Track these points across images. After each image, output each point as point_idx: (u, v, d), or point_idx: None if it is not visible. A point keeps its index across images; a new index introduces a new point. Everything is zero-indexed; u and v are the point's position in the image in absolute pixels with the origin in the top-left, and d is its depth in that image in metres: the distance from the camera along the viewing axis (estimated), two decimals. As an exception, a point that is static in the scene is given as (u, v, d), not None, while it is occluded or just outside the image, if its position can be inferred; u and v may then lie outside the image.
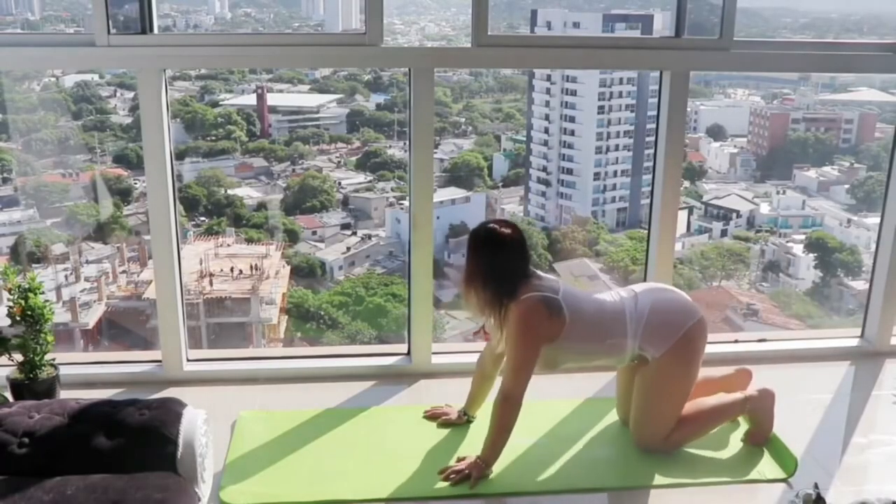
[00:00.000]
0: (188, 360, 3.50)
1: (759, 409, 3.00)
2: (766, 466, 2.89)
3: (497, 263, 2.80)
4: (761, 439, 3.01)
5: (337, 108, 16.27)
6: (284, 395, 3.38)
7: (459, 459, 2.86)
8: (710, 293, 12.94)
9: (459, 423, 3.13)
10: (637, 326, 2.81)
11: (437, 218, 6.67)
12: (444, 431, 3.09)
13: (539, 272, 2.85)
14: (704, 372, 2.99)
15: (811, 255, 14.10)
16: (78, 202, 13.27)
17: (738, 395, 3.02)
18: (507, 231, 2.84)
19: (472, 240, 2.88)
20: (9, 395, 2.98)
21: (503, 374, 2.82)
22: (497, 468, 2.82)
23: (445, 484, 2.76)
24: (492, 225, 2.89)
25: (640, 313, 2.82)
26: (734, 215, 15.16)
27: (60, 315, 10.67)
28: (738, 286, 14.09)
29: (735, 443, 3.03)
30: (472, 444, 2.96)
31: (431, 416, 3.18)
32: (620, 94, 14.90)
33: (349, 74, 16.40)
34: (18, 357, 3.02)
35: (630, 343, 2.81)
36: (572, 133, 15.06)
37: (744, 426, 3.08)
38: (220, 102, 15.70)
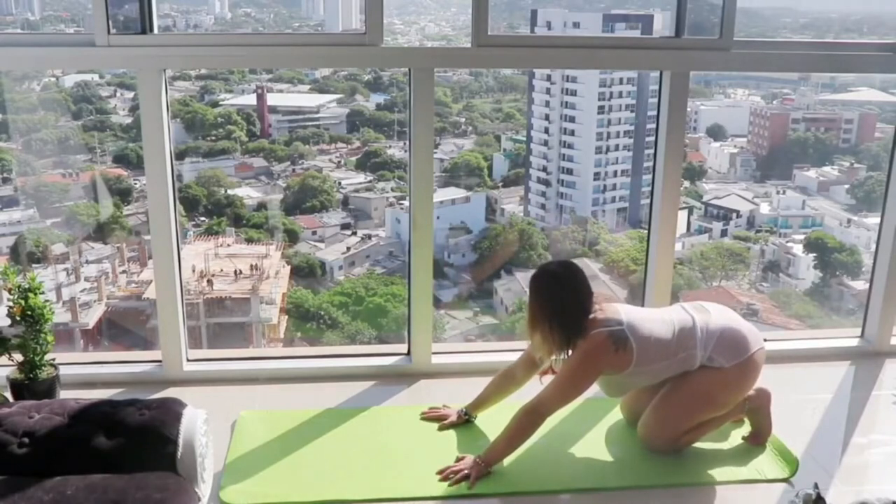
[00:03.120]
0: (188, 360, 3.49)
1: (757, 409, 3.00)
2: (767, 466, 2.89)
3: (561, 305, 2.79)
4: (761, 439, 3.01)
5: (337, 108, 16.28)
6: (284, 395, 3.38)
7: (458, 459, 2.86)
8: (710, 293, 12.92)
9: (459, 422, 3.12)
10: (709, 338, 2.82)
11: (437, 218, 6.69)
12: (444, 431, 3.09)
13: (600, 305, 2.84)
14: None
15: (811, 255, 14.10)
16: (78, 202, 13.28)
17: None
18: (567, 271, 2.86)
19: (533, 283, 2.87)
20: (9, 395, 2.98)
21: (545, 388, 2.82)
22: (496, 468, 2.81)
23: (444, 484, 2.76)
24: (552, 267, 2.91)
25: (714, 326, 2.84)
26: (734, 215, 15.17)
27: (60, 315, 10.67)
28: (738, 286, 14.09)
29: (735, 443, 3.03)
30: (472, 445, 2.96)
31: (430, 417, 3.17)
32: (620, 94, 14.90)
33: (349, 74, 16.41)
34: (18, 357, 3.02)
35: (700, 354, 2.82)
36: (572, 133, 15.06)
37: (747, 426, 3.08)
38: (220, 102, 15.71)
